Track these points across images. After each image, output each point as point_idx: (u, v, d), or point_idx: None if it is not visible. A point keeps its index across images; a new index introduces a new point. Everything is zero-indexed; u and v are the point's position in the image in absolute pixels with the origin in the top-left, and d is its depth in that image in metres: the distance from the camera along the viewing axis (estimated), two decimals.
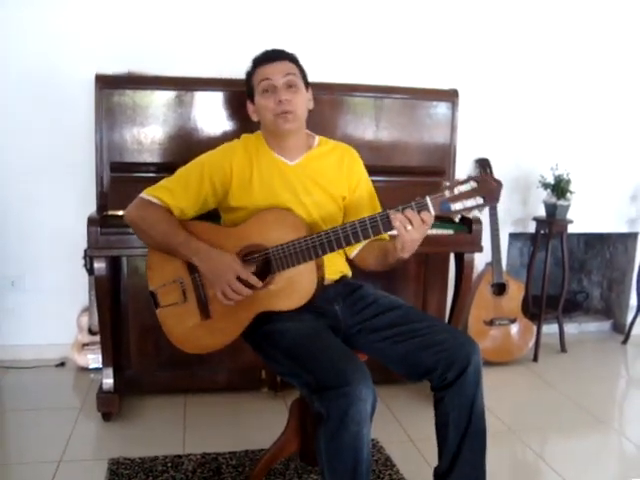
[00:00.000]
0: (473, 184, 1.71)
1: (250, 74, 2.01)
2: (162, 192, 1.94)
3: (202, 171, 1.97)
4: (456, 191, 1.72)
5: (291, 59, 2.00)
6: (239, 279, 1.82)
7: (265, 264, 1.86)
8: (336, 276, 2.05)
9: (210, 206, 2.03)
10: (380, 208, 2.10)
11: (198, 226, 1.94)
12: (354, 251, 2.07)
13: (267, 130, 2.02)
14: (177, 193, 1.94)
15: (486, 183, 1.72)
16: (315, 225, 1.97)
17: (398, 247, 1.79)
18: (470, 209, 1.74)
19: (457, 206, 1.72)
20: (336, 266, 2.03)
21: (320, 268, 1.89)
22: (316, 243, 1.81)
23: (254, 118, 2.04)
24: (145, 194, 1.95)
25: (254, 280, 1.83)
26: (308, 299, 1.87)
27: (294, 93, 1.94)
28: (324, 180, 2.02)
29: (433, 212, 1.73)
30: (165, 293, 1.94)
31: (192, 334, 1.95)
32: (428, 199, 1.73)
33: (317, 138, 2.11)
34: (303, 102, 1.98)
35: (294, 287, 1.87)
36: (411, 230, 1.73)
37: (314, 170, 2.02)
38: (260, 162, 2.00)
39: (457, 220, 1.84)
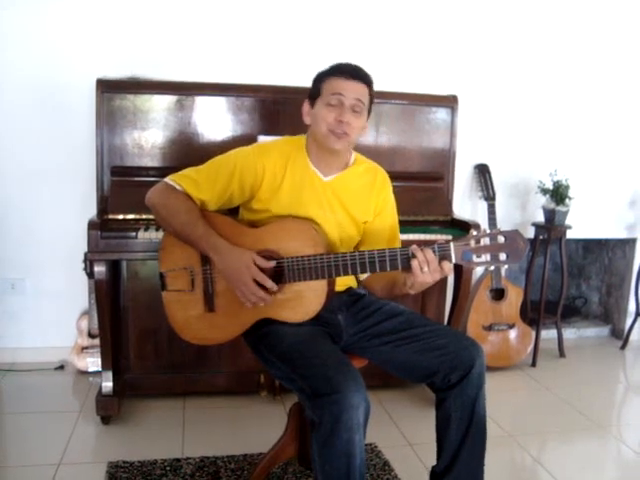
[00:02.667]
0: (501, 239, 1.68)
1: (322, 78, 1.93)
2: (187, 182, 1.90)
3: (233, 170, 1.91)
4: (482, 242, 1.69)
5: (369, 84, 1.93)
6: (255, 281, 1.81)
7: (277, 272, 1.85)
8: (342, 288, 2.05)
9: (234, 204, 2.00)
10: (399, 242, 2.10)
11: (217, 219, 1.92)
12: (364, 275, 2.02)
13: (314, 139, 1.96)
14: (203, 187, 1.91)
15: (514, 241, 1.68)
16: (332, 244, 1.96)
17: (408, 284, 1.78)
18: (490, 263, 1.71)
19: (479, 258, 1.69)
20: (345, 280, 2.01)
21: (331, 284, 1.88)
22: (332, 264, 1.80)
23: (307, 120, 1.97)
24: (170, 180, 1.92)
25: (270, 284, 1.82)
26: (312, 316, 1.86)
27: (356, 118, 1.89)
28: (351, 203, 2.00)
29: (454, 259, 1.71)
30: (174, 277, 1.94)
31: (193, 324, 1.95)
32: (452, 245, 1.70)
33: (354, 155, 2.07)
34: (360, 128, 1.94)
35: (301, 301, 1.86)
36: (426, 272, 1.71)
37: (344, 190, 1.99)
38: (294, 169, 1.95)
39: (478, 272, 1.80)
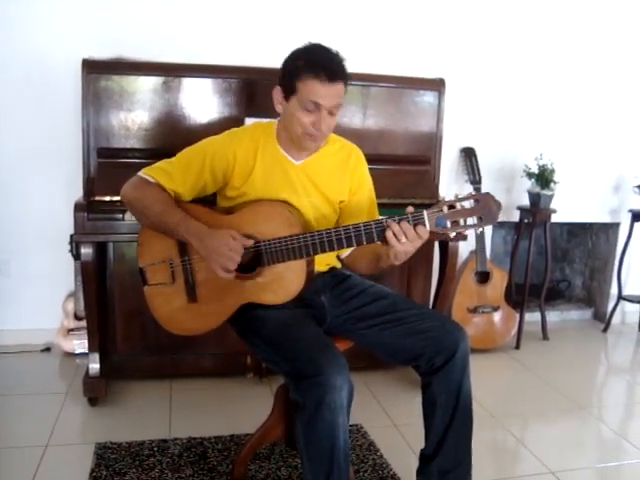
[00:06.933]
0: (472, 203, 1.67)
1: (298, 73, 1.79)
2: (160, 175, 1.90)
3: (204, 159, 1.91)
4: (454, 208, 1.67)
5: (346, 80, 1.83)
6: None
7: (255, 256, 1.85)
8: (324, 268, 2.06)
9: (209, 192, 1.99)
10: (377, 216, 2.07)
11: (191, 208, 1.91)
12: (346, 252, 2.03)
13: (286, 132, 1.91)
14: (176, 178, 1.90)
15: (485, 203, 1.67)
16: (308, 225, 1.95)
17: (391, 256, 1.76)
18: (465, 227, 1.69)
19: (453, 224, 1.68)
20: (326, 259, 2.02)
21: (310, 264, 1.88)
22: (309, 243, 1.79)
23: (278, 109, 1.89)
24: (143, 173, 1.91)
25: (245, 240, 1.80)
26: (294, 296, 1.86)
27: (332, 118, 1.85)
28: (325, 184, 1.99)
29: (428, 227, 1.69)
30: (154, 272, 1.94)
31: (177, 315, 1.95)
32: (425, 213, 1.69)
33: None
34: (334, 123, 1.88)
35: (281, 283, 1.86)
36: (405, 242, 1.70)
37: (317, 172, 1.98)
38: (265, 154, 1.93)
39: (451, 236, 1.77)
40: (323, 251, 1.81)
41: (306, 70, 1.78)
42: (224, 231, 1.82)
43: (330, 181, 2.00)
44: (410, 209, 1.71)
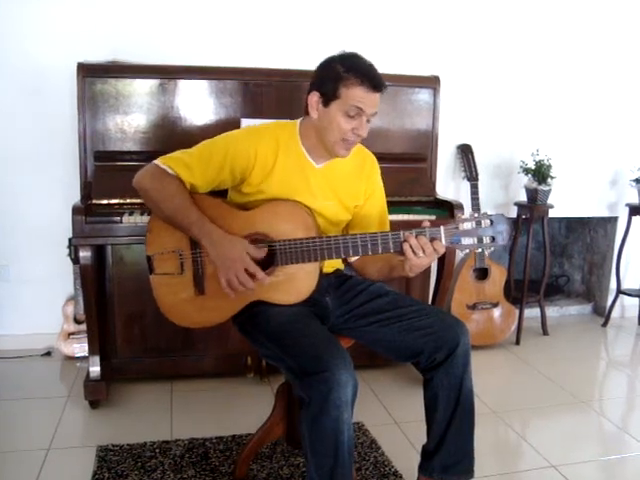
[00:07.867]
0: (487, 222, 1.75)
1: (342, 79, 1.80)
2: (179, 166, 1.86)
3: (225, 155, 1.88)
4: (469, 226, 1.75)
5: (384, 90, 1.87)
6: (246, 271, 1.80)
7: (269, 255, 1.85)
8: (330, 269, 2.07)
9: (223, 187, 1.98)
10: (388, 225, 2.11)
11: (207, 201, 1.89)
12: (355, 257, 2.03)
13: (317, 136, 1.91)
14: (195, 171, 1.87)
15: (499, 224, 1.76)
16: (323, 228, 1.96)
17: (406, 268, 1.79)
18: (477, 246, 1.78)
19: (467, 241, 1.76)
20: (332, 261, 2.02)
21: (321, 265, 1.90)
22: (324, 247, 1.81)
23: (313, 115, 1.87)
24: (161, 163, 1.87)
25: (261, 275, 1.81)
26: (305, 298, 1.87)
27: (368, 126, 1.88)
28: (341, 190, 2.00)
29: (444, 243, 1.75)
30: (162, 260, 1.92)
31: (182, 307, 1.93)
32: (442, 229, 1.75)
33: None
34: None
35: (293, 284, 1.87)
36: (422, 256, 1.75)
37: (335, 177, 1.99)
38: (287, 155, 1.92)
39: (462, 254, 1.84)
40: (338, 256, 1.83)
41: (351, 76, 1.80)
42: (239, 246, 1.81)
43: (346, 186, 2.02)
44: (426, 223, 1.77)
